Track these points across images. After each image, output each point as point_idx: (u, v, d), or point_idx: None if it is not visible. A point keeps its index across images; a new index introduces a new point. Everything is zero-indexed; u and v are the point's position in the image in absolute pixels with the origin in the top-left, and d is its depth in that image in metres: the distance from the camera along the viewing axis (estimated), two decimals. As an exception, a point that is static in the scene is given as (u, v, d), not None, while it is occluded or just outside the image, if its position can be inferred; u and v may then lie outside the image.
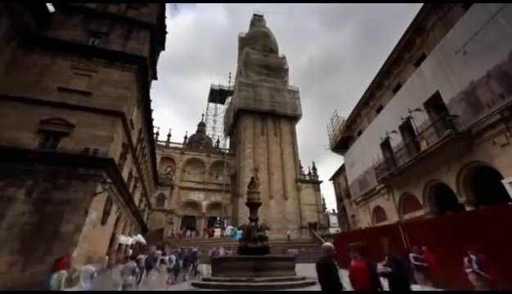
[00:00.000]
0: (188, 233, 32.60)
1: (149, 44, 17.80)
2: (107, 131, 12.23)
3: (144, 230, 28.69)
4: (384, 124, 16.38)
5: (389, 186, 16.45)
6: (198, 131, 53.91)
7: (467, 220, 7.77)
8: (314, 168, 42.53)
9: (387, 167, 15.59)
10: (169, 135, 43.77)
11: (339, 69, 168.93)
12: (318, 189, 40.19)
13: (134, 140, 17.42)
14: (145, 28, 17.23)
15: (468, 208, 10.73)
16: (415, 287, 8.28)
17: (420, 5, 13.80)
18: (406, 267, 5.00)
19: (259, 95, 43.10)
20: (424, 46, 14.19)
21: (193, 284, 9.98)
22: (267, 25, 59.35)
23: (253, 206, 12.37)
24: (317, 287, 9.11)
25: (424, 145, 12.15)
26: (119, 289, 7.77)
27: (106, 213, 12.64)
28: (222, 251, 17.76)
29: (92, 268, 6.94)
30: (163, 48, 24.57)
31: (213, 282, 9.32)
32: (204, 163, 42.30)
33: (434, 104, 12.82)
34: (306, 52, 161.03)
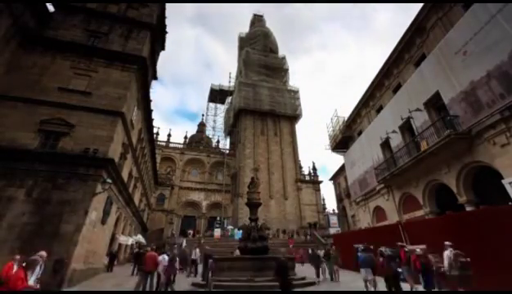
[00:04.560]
0: (190, 233, 32.68)
1: (149, 44, 17.80)
2: (107, 131, 12.23)
3: (144, 230, 28.70)
4: (384, 124, 16.38)
5: (389, 186, 16.44)
6: (198, 131, 53.90)
7: (467, 221, 7.77)
8: (314, 168, 42.53)
9: (387, 166, 15.57)
10: (169, 135, 43.82)
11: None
12: (318, 189, 40.18)
13: (134, 140, 17.43)
14: (145, 29, 17.24)
15: (468, 208, 10.73)
16: (415, 288, 8.28)
17: (420, 5, 13.80)
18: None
19: (259, 95, 43.11)
20: (424, 46, 14.17)
21: (193, 284, 9.97)
22: (267, 25, 59.39)
23: (253, 206, 12.36)
24: (317, 287, 9.12)
25: (424, 145, 12.13)
26: None
27: (106, 213, 12.65)
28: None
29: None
30: (163, 48, 24.58)
31: (213, 282, 9.30)
32: (204, 163, 42.31)
33: (434, 104, 12.82)
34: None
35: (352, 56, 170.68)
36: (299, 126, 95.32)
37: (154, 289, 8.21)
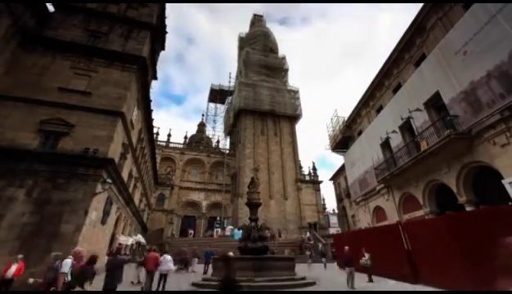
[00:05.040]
0: (191, 232, 32.83)
1: (149, 44, 17.80)
2: (107, 131, 12.23)
3: (144, 230, 28.70)
4: (384, 124, 16.38)
5: (389, 186, 16.44)
6: (198, 131, 53.93)
7: (467, 221, 7.77)
8: (314, 168, 42.52)
9: (387, 167, 15.57)
10: (169, 135, 43.81)
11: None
12: (318, 189, 40.17)
13: (134, 140, 17.42)
14: (145, 29, 17.24)
15: (468, 208, 10.73)
16: (416, 288, 8.29)
17: (420, 5, 13.80)
18: None
19: (259, 95, 43.10)
20: (424, 46, 14.18)
21: (193, 284, 9.97)
22: (267, 25, 59.43)
23: (253, 206, 12.36)
24: (317, 287, 9.12)
25: (424, 145, 12.14)
26: None
27: (106, 213, 12.64)
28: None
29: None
30: (163, 48, 24.58)
31: (213, 282, 9.31)
32: (204, 163, 42.31)
33: (434, 104, 12.82)
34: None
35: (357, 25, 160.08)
36: (299, 126, 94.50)
37: (155, 288, 8.23)
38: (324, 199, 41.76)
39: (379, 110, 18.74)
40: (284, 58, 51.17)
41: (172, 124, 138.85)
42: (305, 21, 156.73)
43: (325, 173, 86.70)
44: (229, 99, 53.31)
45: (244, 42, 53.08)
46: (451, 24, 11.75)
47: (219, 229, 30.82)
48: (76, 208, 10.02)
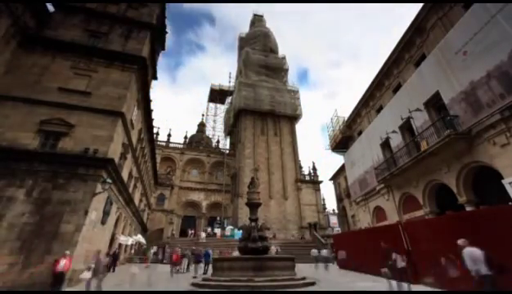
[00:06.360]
0: (190, 232, 32.81)
1: (149, 44, 17.79)
2: (107, 131, 12.22)
3: (144, 230, 28.71)
4: (384, 124, 16.38)
5: (389, 186, 16.44)
6: (198, 131, 53.93)
7: (467, 221, 7.77)
8: (314, 168, 42.52)
9: (387, 166, 15.58)
10: (169, 135, 43.81)
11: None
12: (318, 189, 40.18)
13: (134, 140, 17.42)
14: (145, 28, 17.23)
15: (468, 208, 10.73)
16: (414, 287, 8.28)
17: (420, 5, 13.80)
18: None
19: (259, 95, 43.10)
20: (424, 46, 14.18)
21: (193, 284, 9.97)
22: (267, 25, 59.41)
23: (253, 206, 12.34)
24: (317, 287, 9.11)
25: (424, 145, 12.14)
26: None
27: (106, 213, 12.64)
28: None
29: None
30: (163, 48, 24.57)
31: (213, 283, 9.30)
32: (204, 163, 42.32)
33: (434, 104, 12.82)
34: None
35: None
36: (300, 127, 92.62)
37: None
38: (324, 199, 41.80)
39: (379, 110, 18.74)
40: (284, 58, 51.19)
41: (173, 124, 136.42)
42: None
43: (335, 157, 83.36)
44: (229, 99, 53.34)
45: (244, 42, 53.09)
46: (451, 24, 11.75)
47: (220, 230, 30.80)
48: (76, 208, 10.02)
